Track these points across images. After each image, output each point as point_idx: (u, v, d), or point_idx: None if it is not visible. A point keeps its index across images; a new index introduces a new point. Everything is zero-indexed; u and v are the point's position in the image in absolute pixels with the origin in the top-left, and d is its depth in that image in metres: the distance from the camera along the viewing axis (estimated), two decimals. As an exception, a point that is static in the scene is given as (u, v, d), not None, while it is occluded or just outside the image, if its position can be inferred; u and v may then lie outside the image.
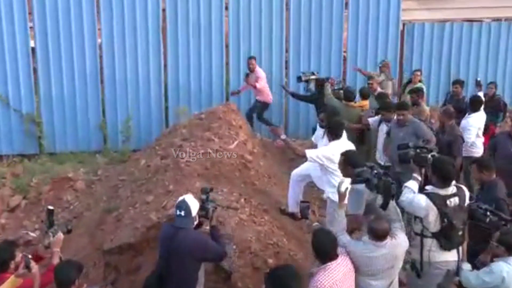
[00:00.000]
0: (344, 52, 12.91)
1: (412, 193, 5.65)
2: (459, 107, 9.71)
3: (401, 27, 12.96)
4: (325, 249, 4.94)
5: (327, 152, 6.70)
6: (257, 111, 11.66)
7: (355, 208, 5.70)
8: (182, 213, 5.28)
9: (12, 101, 11.54)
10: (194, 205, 5.34)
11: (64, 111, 11.71)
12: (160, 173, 8.30)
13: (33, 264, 4.69)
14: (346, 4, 12.66)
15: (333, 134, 6.93)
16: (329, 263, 4.88)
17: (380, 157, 8.69)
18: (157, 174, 8.39)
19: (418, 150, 6.10)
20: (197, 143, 8.70)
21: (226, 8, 12.21)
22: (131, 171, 9.31)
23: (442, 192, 5.56)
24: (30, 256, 4.78)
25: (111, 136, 11.96)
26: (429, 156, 5.95)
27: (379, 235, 5.13)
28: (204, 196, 5.63)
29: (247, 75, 11.49)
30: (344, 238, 5.28)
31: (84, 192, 9.87)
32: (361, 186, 5.57)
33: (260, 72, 11.48)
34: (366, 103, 10.11)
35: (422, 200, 5.52)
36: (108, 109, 11.96)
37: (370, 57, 12.79)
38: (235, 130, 9.37)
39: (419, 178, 5.81)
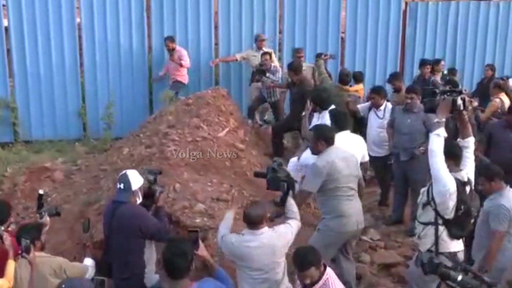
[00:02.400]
0: (342, 33, 12.93)
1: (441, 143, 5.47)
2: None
3: (403, 6, 12.99)
4: None
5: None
6: (175, 92, 11.64)
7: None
8: (122, 186, 5.50)
9: (-15, 86, 11.48)
10: (135, 180, 5.54)
11: (40, 96, 11.66)
12: (144, 163, 8.29)
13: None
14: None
15: (337, 125, 7.03)
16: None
17: (370, 148, 8.73)
18: (142, 164, 8.37)
19: (446, 95, 5.68)
20: (184, 130, 8.71)
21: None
22: (113, 161, 9.28)
23: (460, 177, 5.58)
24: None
25: (91, 123, 11.96)
26: (459, 99, 5.57)
27: (252, 221, 5.25)
28: (151, 177, 5.75)
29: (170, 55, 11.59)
30: (223, 230, 5.52)
31: (63, 183, 9.82)
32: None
33: (182, 50, 11.65)
34: (361, 87, 10.18)
35: (452, 181, 5.47)
36: (88, 94, 11.96)
37: (370, 38, 12.82)
38: (225, 116, 9.39)
39: (443, 120, 5.54)
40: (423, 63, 11.22)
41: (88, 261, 5.71)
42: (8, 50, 11.58)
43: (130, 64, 11.95)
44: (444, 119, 5.51)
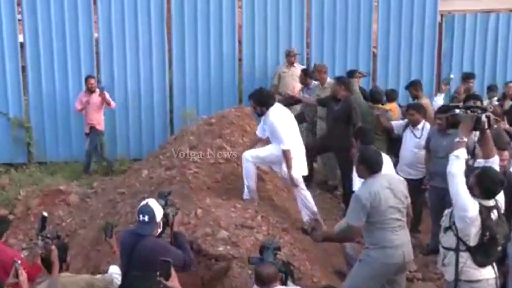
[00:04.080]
0: (374, 47, 12.84)
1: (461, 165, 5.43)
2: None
3: (439, 18, 12.86)
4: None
5: None
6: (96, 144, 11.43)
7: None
8: (146, 218, 5.37)
9: (-2, 104, 11.61)
10: (158, 210, 5.46)
11: (56, 115, 11.75)
12: (164, 186, 8.25)
13: (21, 272, 5.12)
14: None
15: (361, 141, 7.00)
16: None
17: (401, 169, 8.61)
18: (161, 187, 8.34)
19: (469, 111, 5.65)
20: (206, 151, 8.67)
21: (240, -2, 12.23)
22: (131, 184, 9.27)
23: (486, 203, 5.45)
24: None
25: (109, 143, 11.95)
26: (484, 117, 5.51)
27: (263, 280, 5.08)
28: (162, 202, 5.67)
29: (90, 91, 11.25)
30: None
31: (78, 207, 9.85)
32: None
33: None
34: (394, 106, 10.03)
35: (472, 206, 5.36)
36: (105, 112, 11.93)
37: (404, 53, 12.70)
38: (250, 137, 9.31)
39: (465, 139, 5.52)
40: (466, 76, 11.02)
41: (114, 269, 5.74)
42: (23, 67, 11.71)
43: (149, 81, 11.98)
44: (465, 139, 5.39)
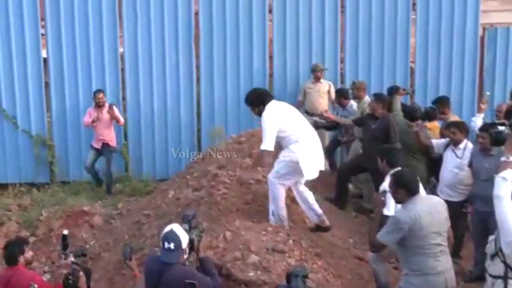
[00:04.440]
0: (412, 62, 12.78)
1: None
2: None
3: (480, 32, 12.76)
4: None
5: None
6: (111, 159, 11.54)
7: None
8: (172, 245, 5.35)
9: (21, 121, 11.80)
10: (184, 236, 5.44)
11: (79, 133, 11.88)
12: (192, 208, 8.29)
13: None
14: (414, 5, 12.58)
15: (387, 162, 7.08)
16: None
17: (442, 190, 8.53)
18: (188, 209, 8.37)
19: None
20: (235, 171, 8.69)
21: (270, 11, 12.26)
22: (157, 205, 9.33)
23: None
24: None
25: (133, 163, 12.08)
26: None
27: None
28: (186, 226, 5.64)
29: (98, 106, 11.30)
30: None
31: (102, 229, 9.92)
32: None
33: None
34: (435, 125, 9.95)
35: None
36: (130, 130, 12.13)
37: (443, 68, 12.59)
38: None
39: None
40: None
41: None
42: (46, 83, 11.88)
43: (176, 98, 12.06)
44: None
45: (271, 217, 7.78)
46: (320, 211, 7.96)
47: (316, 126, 11.05)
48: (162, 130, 12.11)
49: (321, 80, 11.83)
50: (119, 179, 11.97)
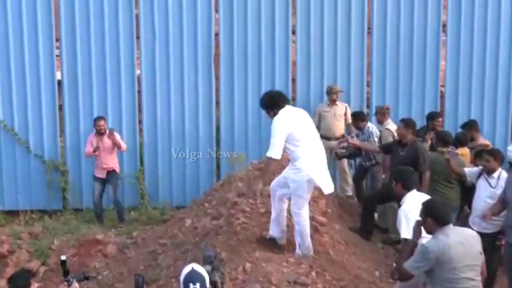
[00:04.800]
0: (442, 86, 12.75)
1: None
2: None
3: (514, 54, 12.71)
4: None
5: None
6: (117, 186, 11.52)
7: None
8: (198, 286, 5.23)
9: (33, 145, 11.90)
10: (206, 274, 5.32)
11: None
12: (210, 237, 8.31)
13: None
14: (444, 26, 12.56)
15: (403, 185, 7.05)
16: None
17: (474, 221, 8.44)
18: (206, 238, 8.39)
19: None
20: (256, 200, 8.70)
21: (293, 32, 12.31)
22: (173, 234, 9.34)
23: None
24: None
25: (149, 190, 12.12)
26: None
27: None
28: (209, 267, 5.58)
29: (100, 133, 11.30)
30: None
31: (116, 259, 9.91)
32: None
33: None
34: (466, 151, 9.90)
35: None
36: (146, 155, 12.17)
37: (475, 92, 12.55)
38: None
39: None
40: None
41: None
42: (60, 106, 11.97)
43: (195, 122, 12.11)
44: None
45: (297, 251, 7.78)
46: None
47: (338, 157, 11.11)
48: (178, 156, 12.11)
49: (337, 103, 11.86)
50: (134, 207, 11.99)
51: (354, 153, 10.94)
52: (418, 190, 7.24)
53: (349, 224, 9.86)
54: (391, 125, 10.92)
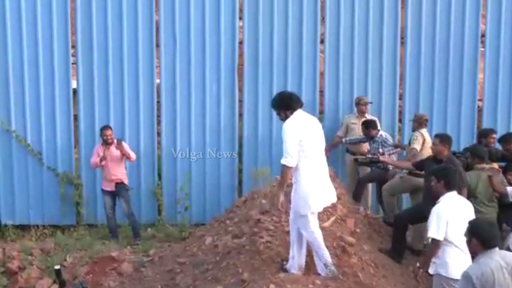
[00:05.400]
0: (479, 100, 12.76)
1: None
2: None
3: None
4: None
5: None
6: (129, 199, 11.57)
7: None
8: None
9: (46, 157, 12.02)
10: None
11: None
12: (231, 256, 8.35)
13: None
14: (483, 36, 12.57)
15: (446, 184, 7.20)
16: None
17: None
18: (228, 258, 8.43)
19: None
20: (280, 217, 8.72)
21: (322, 41, 12.39)
22: (193, 252, 9.39)
23: None
24: None
25: (167, 206, 12.22)
26: None
27: None
28: None
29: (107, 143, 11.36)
30: None
31: (132, 277, 9.95)
32: None
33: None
34: (495, 167, 9.93)
35: None
36: (164, 169, 12.27)
37: (515, 106, 12.57)
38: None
39: None
40: None
41: None
42: (75, 116, 12.10)
43: (216, 134, 12.21)
44: None
45: (323, 271, 7.77)
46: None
47: (359, 163, 11.28)
48: (199, 169, 12.22)
49: (366, 115, 11.95)
50: (151, 223, 12.09)
51: (375, 160, 11.02)
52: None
53: (378, 245, 9.87)
54: (426, 133, 11.08)
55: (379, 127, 11.67)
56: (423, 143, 10.85)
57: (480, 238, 5.89)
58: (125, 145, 11.40)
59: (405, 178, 10.58)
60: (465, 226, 6.74)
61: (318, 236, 7.73)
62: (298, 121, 7.71)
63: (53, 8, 11.77)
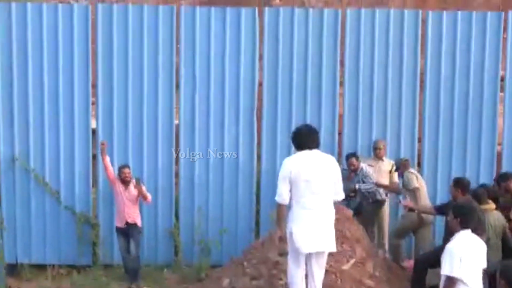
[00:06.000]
0: (499, 145, 12.70)
1: None
2: None
3: None
4: None
5: None
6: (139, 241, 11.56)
7: None
8: None
9: (64, 196, 12.04)
10: None
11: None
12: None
13: None
14: (502, 80, 12.54)
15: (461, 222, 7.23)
16: None
17: None
18: (246, 301, 8.39)
19: None
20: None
21: (341, 83, 12.40)
22: (210, 294, 9.35)
23: None
24: None
25: (184, 246, 12.18)
26: None
27: None
28: None
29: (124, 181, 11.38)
30: None
31: (147, 319, 9.96)
32: None
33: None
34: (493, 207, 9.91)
35: None
36: (182, 210, 12.25)
37: (536, 152, 12.47)
38: (350, 244, 9.29)
39: None
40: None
41: None
42: (94, 156, 12.13)
43: (235, 175, 12.20)
44: None
45: None
46: None
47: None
48: (217, 209, 12.21)
49: (384, 158, 11.92)
50: (167, 264, 12.04)
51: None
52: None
53: (396, 288, 9.79)
54: (415, 171, 11.50)
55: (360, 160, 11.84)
56: (417, 179, 11.22)
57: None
58: (143, 186, 11.39)
59: (405, 215, 10.99)
60: (477, 265, 7.03)
61: (294, 277, 7.72)
62: (294, 159, 7.73)
63: (75, 47, 11.85)
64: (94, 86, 12.10)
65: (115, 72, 11.95)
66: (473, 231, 7.39)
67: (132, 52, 11.95)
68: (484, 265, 7.32)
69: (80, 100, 11.96)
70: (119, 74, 11.97)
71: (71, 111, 11.95)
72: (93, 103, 12.18)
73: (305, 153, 7.75)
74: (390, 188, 12.03)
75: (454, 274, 6.97)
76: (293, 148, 11.49)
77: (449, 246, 7.09)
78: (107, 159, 11.39)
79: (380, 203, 11.98)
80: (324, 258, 7.78)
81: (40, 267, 11.99)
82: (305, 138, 7.85)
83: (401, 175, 11.52)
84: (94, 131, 12.16)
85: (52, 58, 11.86)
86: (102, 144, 11.42)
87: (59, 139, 11.97)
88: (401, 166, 11.45)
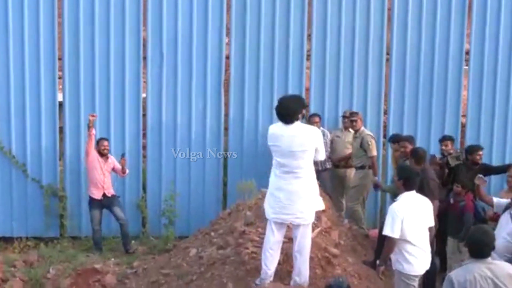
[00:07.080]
0: (463, 116, 12.84)
1: None
2: None
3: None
4: None
5: None
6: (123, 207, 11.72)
7: None
8: None
9: (31, 169, 11.97)
10: None
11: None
12: (216, 267, 8.33)
13: None
14: (467, 53, 12.67)
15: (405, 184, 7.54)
16: None
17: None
18: (212, 269, 8.42)
19: None
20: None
21: (308, 57, 12.46)
22: (177, 264, 9.36)
23: None
24: None
25: (151, 218, 12.20)
26: None
27: None
28: None
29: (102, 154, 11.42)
30: None
31: (116, 289, 9.96)
32: None
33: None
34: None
35: None
36: (149, 182, 12.28)
37: (498, 124, 12.64)
38: (316, 213, 9.36)
39: None
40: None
41: None
42: (61, 129, 12.08)
43: (202, 148, 12.24)
44: None
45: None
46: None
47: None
48: (184, 182, 12.24)
49: (350, 130, 12.05)
50: (135, 236, 12.03)
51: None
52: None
53: (362, 257, 9.90)
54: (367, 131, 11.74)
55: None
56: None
57: (470, 246, 5.89)
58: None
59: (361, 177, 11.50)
60: (422, 224, 7.40)
61: (265, 245, 7.81)
62: (270, 128, 7.81)
63: (40, 20, 11.74)
64: (60, 59, 12.01)
65: (82, 46, 11.87)
66: (417, 191, 7.60)
67: (98, 25, 11.86)
68: (431, 223, 7.62)
69: (46, 73, 11.87)
70: (86, 47, 11.88)
71: (37, 84, 11.86)
72: (60, 77, 12.10)
73: (281, 124, 7.74)
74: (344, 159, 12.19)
75: (394, 235, 7.23)
76: (260, 121, 11.83)
77: (392, 206, 7.35)
78: (93, 131, 11.34)
79: (329, 170, 12.16)
80: (299, 229, 7.72)
81: (7, 240, 11.97)
82: (282, 111, 7.71)
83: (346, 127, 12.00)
84: (61, 104, 12.08)
85: (18, 31, 11.74)
86: (93, 116, 11.35)
87: (26, 112, 11.89)
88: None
